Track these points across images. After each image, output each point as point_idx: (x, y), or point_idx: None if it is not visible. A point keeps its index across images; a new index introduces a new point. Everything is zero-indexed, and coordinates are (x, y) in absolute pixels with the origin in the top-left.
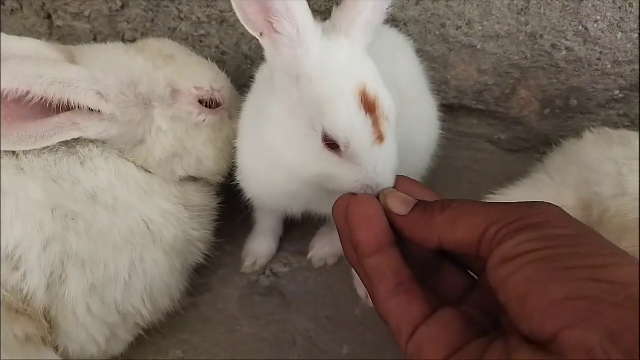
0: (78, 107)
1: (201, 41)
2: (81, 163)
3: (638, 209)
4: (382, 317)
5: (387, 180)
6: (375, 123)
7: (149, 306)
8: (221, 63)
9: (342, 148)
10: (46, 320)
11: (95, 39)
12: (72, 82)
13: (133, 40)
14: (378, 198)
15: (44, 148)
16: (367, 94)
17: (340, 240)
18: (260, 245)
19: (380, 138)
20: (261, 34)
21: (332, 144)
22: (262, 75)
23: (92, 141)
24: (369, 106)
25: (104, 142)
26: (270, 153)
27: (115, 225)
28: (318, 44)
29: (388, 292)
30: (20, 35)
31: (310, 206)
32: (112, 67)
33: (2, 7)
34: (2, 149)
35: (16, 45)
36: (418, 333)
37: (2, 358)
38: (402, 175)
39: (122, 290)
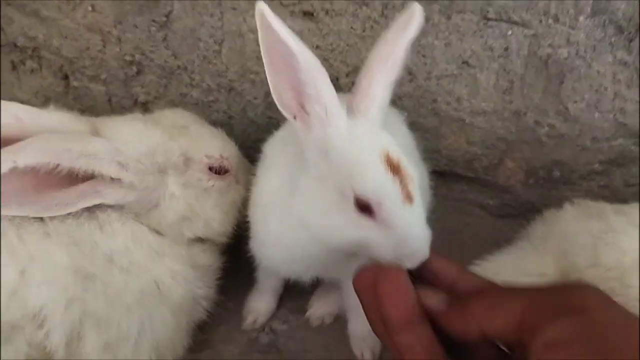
0: (101, 176)
1: (210, 106)
2: (100, 227)
3: (611, 278)
4: None
5: (422, 246)
6: (403, 183)
7: None
8: (228, 127)
9: (374, 208)
10: None
11: (109, 101)
12: (97, 154)
13: (145, 103)
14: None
15: (68, 214)
16: (391, 157)
17: (365, 311)
18: (261, 303)
19: (409, 197)
20: (294, 117)
21: (364, 207)
22: (272, 149)
23: (110, 206)
24: (394, 168)
25: (121, 207)
26: (298, 223)
27: (129, 286)
28: (344, 122)
29: None
30: (36, 93)
31: (327, 273)
32: (132, 138)
33: (22, 67)
34: (31, 216)
35: (45, 118)
36: None
37: None
38: (432, 250)
39: (132, 348)
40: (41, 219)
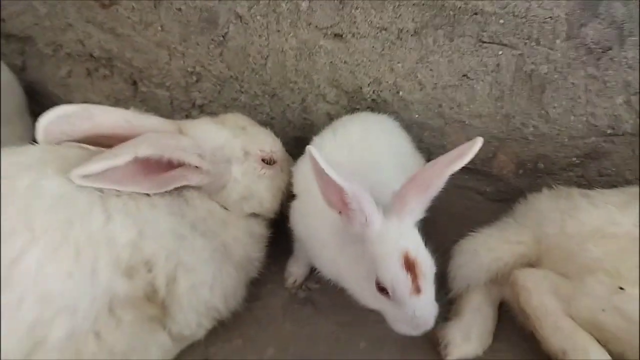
0: (187, 164)
1: (255, 109)
2: (186, 202)
3: (572, 243)
4: None
5: (427, 322)
6: (414, 279)
7: (223, 305)
8: (270, 126)
9: (390, 293)
10: (163, 307)
11: (171, 103)
12: (185, 148)
13: (202, 105)
14: None
15: (165, 192)
16: (408, 257)
17: None
18: (299, 268)
19: (417, 290)
20: (340, 212)
21: (382, 289)
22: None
23: (193, 187)
24: (410, 266)
25: (199, 188)
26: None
27: (206, 246)
28: (379, 223)
29: None
30: (107, 96)
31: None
32: (207, 136)
33: (96, 73)
34: (142, 192)
35: (146, 121)
36: None
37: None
38: None
39: (209, 292)
40: (148, 194)
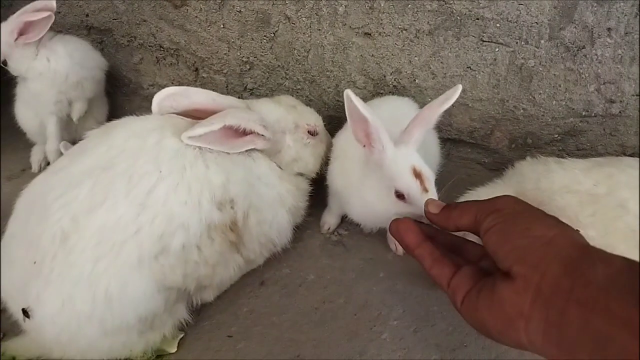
0: (255, 132)
1: (297, 92)
2: (253, 160)
3: (544, 195)
4: (431, 279)
5: None
6: (422, 183)
7: (277, 239)
8: (309, 107)
9: (405, 197)
10: (239, 236)
11: (227, 87)
12: (255, 121)
13: (252, 89)
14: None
15: (240, 152)
16: (415, 169)
17: (397, 241)
18: (332, 218)
19: (425, 189)
20: (364, 145)
21: (400, 196)
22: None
23: (258, 150)
24: (417, 174)
25: (262, 151)
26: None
27: (267, 193)
28: (392, 151)
29: (430, 265)
30: (172, 80)
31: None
32: (268, 112)
33: (163, 61)
34: (224, 151)
35: (226, 100)
36: (451, 283)
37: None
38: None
39: (269, 227)
40: (228, 153)
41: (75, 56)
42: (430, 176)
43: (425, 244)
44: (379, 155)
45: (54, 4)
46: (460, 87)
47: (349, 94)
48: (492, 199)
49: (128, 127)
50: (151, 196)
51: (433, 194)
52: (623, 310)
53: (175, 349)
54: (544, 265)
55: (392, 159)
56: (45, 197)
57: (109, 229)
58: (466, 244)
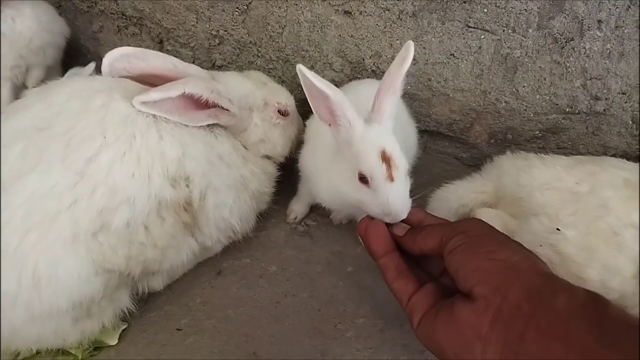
0: (219, 106)
1: (269, 72)
2: (215, 137)
3: (524, 191)
4: (392, 292)
5: (398, 209)
6: (389, 169)
7: (238, 226)
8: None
9: (369, 180)
10: (194, 218)
11: (193, 62)
12: (220, 92)
13: (221, 66)
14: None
15: (200, 126)
16: (385, 152)
17: (364, 244)
18: (300, 207)
19: (390, 177)
20: (329, 124)
21: (363, 179)
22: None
23: (221, 126)
24: (386, 159)
25: (226, 128)
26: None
27: (229, 175)
28: (361, 128)
29: (393, 278)
30: None
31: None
32: (235, 85)
33: (125, 31)
34: (184, 123)
35: (189, 68)
36: (411, 300)
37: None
38: (415, 207)
39: (229, 212)
40: (187, 126)
41: (42, 20)
42: (400, 164)
43: (392, 254)
44: (347, 133)
45: None
46: (411, 44)
47: (302, 69)
48: (459, 221)
49: (72, 85)
50: (92, 164)
51: (400, 184)
52: (582, 341)
53: (116, 341)
54: (506, 288)
55: (360, 138)
56: None
57: (40, 198)
58: (432, 258)
